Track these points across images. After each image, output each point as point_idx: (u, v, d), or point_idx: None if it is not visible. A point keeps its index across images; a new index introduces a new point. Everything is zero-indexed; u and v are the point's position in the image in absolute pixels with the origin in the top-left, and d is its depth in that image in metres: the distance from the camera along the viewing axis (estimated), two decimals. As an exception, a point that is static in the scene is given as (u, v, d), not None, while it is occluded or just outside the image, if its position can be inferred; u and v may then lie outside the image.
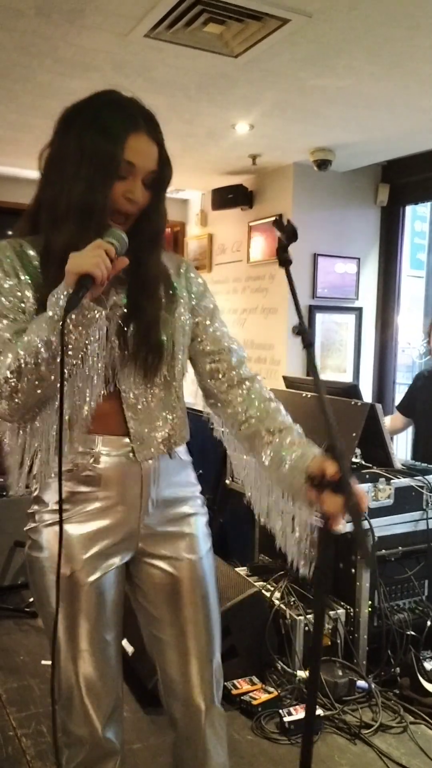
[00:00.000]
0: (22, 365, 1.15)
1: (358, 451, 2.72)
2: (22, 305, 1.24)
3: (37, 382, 1.17)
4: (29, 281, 1.25)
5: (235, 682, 2.52)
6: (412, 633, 2.65)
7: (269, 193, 4.24)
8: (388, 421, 3.24)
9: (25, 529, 1.41)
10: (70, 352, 1.16)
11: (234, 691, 2.47)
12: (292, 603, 2.67)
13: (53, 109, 1.29)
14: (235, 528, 4.16)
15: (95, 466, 1.33)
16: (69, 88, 2.77)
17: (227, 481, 3.59)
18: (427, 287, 5.02)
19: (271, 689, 2.49)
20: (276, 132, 3.30)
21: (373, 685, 2.55)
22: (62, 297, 1.13)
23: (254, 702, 2.46)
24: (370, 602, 2.62)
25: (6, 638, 3.15)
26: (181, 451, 1.47)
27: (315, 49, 2.31)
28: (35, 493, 1.38)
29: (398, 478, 2.64)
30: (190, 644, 1.43)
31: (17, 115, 3.14)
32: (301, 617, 2.55)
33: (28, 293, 1.25)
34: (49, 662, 2.95)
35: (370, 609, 2.63)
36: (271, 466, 1.35)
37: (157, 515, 1.40)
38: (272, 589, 2.78)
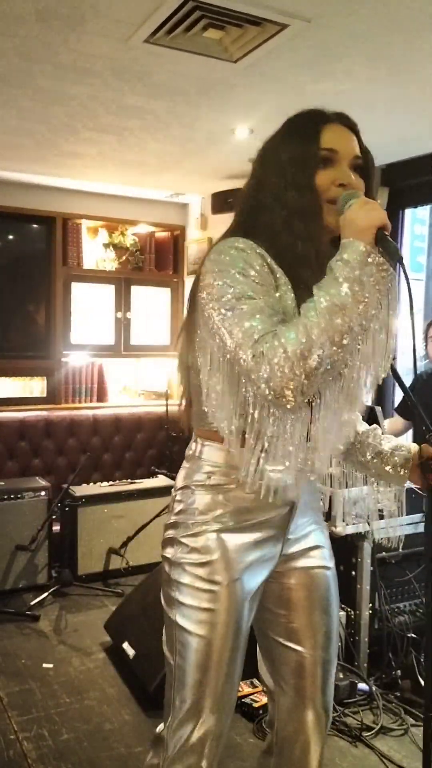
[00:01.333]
0: (336, 339, 1.09)
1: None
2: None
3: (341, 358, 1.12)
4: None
5: (236, 684, 2.52)
6: (413, 635, 2.65)
7: (269, 196, 4.26)
8: (387, 424, 3.25)
9: (171, 535, 1.39)
10: (365, 323, 1.11)
11: (235, 694, 2.47)
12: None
13: (54, 114, 1.30)
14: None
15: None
16: (69, 94, 2.78)
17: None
18: (426, 290, 5.03)
19: (272, 692, 2.49)
20: (275, 136, 3.31)
21: (374, 688, 2.56)
22: (364, 251, 1.10)
23: (255, 705, 2.47)
24: (370, 605, 2.63)
25: (8, 642, 3.16)
26: None
27: (314, 54, 2.32)
28: (181, 506, 1.37)
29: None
30: (325, 654, 1.49)
31: (18, 120, 3.15)
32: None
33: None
34: (50, 665, 2.96)
35: (370, 611, 2.63)
36: (372, 460, 1.50)
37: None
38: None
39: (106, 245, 4.92)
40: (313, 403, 1.19)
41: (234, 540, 1.33)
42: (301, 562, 1.45)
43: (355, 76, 2.52)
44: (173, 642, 1.35)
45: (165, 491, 4.03)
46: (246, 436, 1.22)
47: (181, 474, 1.42)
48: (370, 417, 2.61)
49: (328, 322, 1.08)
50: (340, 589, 1.53)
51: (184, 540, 1.34)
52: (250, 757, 2.26)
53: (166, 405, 4.75)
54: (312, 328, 1.08)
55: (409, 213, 4.21)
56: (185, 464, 1.42)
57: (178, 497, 1.40)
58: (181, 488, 1.40)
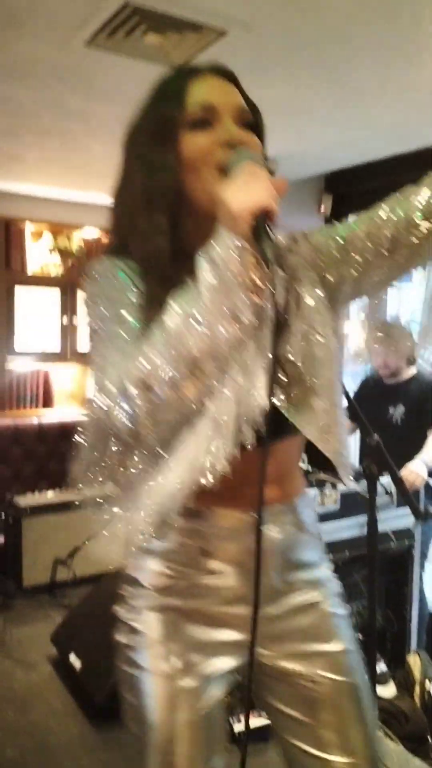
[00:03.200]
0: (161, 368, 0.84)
1: (304, 456, 2.75)
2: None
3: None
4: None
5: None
6: (360, 637, 2.68)
7: (215, 202, 4.26)
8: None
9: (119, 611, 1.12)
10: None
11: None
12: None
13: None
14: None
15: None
16: (9, 96, 2.73)
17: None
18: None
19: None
20: (220, 142, 3.32)
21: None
22: (231, 246, 0.81)
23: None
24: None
25: None
26: None
27: (254, 60, 2.34)
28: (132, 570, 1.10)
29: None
30: None
31: None
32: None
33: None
34: None
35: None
36: None
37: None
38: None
39: (52, 249, 4.84)
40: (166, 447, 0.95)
41: (181, 618, 1.06)
42: (311, 667, 1.09)
43: (295, 83, 2.55)
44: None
45: (111, 500, 3.97)
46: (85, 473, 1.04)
47: None
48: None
49: (178, 341, 0.83)
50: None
51: (126, 619, 1.10)
52: None
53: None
54: (156, 348, 0.84)
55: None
56: None
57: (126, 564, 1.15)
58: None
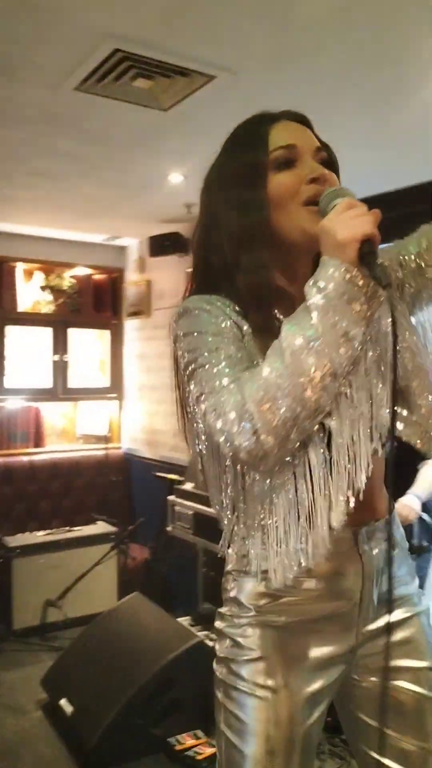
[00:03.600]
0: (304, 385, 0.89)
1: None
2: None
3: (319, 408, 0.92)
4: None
5: (179, 737, 2.44)
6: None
7: (205, 240, 4.32)
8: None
9: (217, 627, 1.17)
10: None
11: (178, 747, 2.40)
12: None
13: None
14: (178, 577, 4.09)
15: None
16: (1, 139, 2.78)
17: (169, 528, 3.54)
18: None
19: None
20: (209, 182, 3.38)
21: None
22: (342, 272, 0.88)
23: (199, 757, 2.39)
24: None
25: None
26: None
27: (242, 105, 2.37)
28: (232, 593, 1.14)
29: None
30: None
31: None
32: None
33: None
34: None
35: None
36: None
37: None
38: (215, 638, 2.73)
39: (43, 288, 4.88)
40: (296, 468, 0.98)
41: (285, 636, 1.10)
42: (401, 681, 1.14)
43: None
44: (220, 750, 1.13)
45: (105, 538, 3.94)
46: (220, 509, 1.06)
47: (229, 555, 1.18)
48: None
49: (296, 362, 0.89)
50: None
51: (228, 632, 1.13)
52: None
53: (106, 449, 4.68)
54: (276, 370, 0.90)
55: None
56: (231, 545, 1.19)
57: (224, 584, 1.19)
58: (227, 573, 1.19)
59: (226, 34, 1.92)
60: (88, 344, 5.14)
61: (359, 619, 1.13)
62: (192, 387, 1.00)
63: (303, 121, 1.13)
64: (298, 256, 1.07)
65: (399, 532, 1.23)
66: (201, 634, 2.75)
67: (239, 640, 1.11)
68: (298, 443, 0.95)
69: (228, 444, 0.92)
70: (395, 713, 1.13)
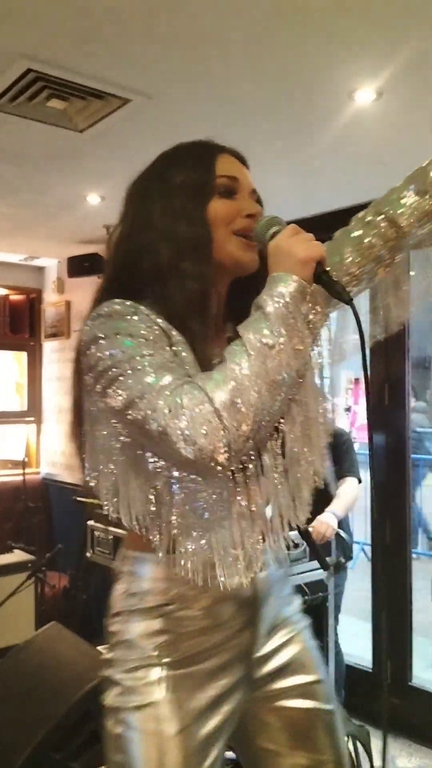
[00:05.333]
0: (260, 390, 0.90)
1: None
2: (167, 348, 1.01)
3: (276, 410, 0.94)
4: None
5: (98, 771, 2.36)
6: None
7: (125, 261, 4.31)
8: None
9: (106, 675, 1.10)
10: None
11: (97, 782, 2.31)
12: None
13: None
14: (98, 603, 3.99)
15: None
16: None
17: (89, 554, 3.47)
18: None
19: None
20: (127, 204, 3.38)
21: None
22: (299, 286, 0.94)
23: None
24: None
25: None
26: None
27: (158, 128, 2.42)
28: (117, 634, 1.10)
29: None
30: None
31: None
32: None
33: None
34: None
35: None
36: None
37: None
38: (136, 664, 2.67)
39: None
40: (248, 471, 0.97)
41: (180, 675, 1.06)
42: (292, 700, 1.16)
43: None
44: None
45: (21, 567, 3.80)
46: (150, 519, 1.02)
47: (113, 597, 1.14)
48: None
49: (260, 365, 0.90)
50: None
51: (118, 679, 1.08)
52: None
53: (23, 474, 4.54)
54: (241, 371, 0.90)
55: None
56: (115, 584, 1.15)
57: (111, 627, 1.13)
58: (113, 615, 1.13)
59: (140, 58, 1.94)
60: (3, 366, 5.00)
61: (251, 645, 1.12)
62: (117, 393, 0.95)
63: (244, 162, 1.20)
64: (220, 275, 1.12)
65: (282, 552, 1.18)
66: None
67: (129, 684, 1.06)
68: (252, 448, 0.95)
69: (188, 446, 0.88)
70: (287, 733, 1.15)
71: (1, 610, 3.53)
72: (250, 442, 0.91)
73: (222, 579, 0.99)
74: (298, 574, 2.70)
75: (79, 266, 4.38)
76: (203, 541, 0.98)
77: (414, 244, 1.16)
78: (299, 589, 2.65)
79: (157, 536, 1.01)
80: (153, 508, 1.00)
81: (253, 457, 0.96)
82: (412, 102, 2.18)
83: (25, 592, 3.63)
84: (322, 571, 2.74)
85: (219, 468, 0.90)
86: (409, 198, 1.13)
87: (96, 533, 3.38)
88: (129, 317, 1.00)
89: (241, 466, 0.95)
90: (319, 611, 2.80)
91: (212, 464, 0.89)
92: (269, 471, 0.99)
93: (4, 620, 3.54)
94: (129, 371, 0.95)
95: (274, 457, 1.00)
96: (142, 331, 0.99)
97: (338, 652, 2.99)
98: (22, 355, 5.11)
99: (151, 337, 0.99)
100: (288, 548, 1.09)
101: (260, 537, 1.01)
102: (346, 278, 1.15)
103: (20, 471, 4.57)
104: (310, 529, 2.64)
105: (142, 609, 1.08)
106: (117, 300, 1.03)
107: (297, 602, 1.26)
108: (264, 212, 1.16)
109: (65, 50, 1.90)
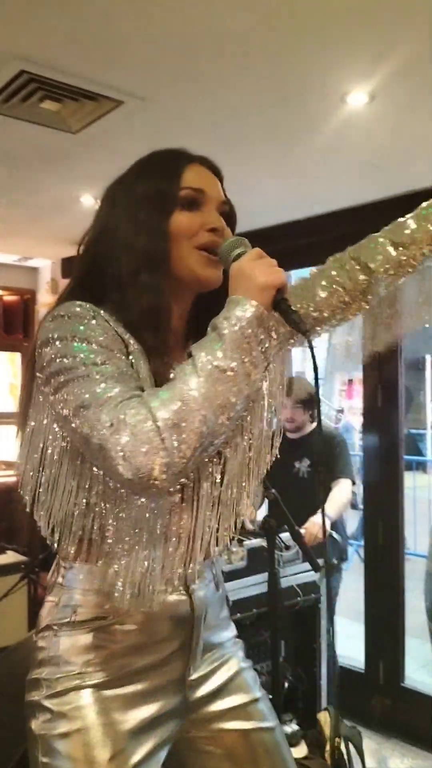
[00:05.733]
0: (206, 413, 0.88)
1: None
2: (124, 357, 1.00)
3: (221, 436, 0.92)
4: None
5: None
6: (270, 696, 2.64)
7: (119, 263, 4.31)
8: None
9: (31, 699, 1.05)
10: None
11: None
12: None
13: None
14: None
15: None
16: None
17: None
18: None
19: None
20: (121, 205, 3.38)
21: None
22: (257, 312, 0.93)
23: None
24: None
25: None
26: None
27: (151, 130, 2.42)
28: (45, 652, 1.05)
29: (249, 539, 2.67)
30: None
31: None
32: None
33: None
34: None
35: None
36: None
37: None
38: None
39: None
40: (184, 493, 0.96)
41: (112, 696, 1.02)
42: (229, 722, 1.13)
43: (193, 152, 2.65)
44: None
45: (14, 568, 3.79)
46: (69, 527, 0.99)
47: (42, 611, 1.10)
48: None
49: (209, 387, 0.89)
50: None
51: (46, 704, 1.01)
52: None
53: (17, 475, 4.53)
54: (189, 392, 0.88)
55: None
56: (47, 596, 1.10)
57: (38, 643, 1.07)
58: (41, 630, 1.07)
59: (133, 60, 1.94)
60: (-3, 367, 5.00)
61: (186, 667, 1.10)
62: (62, 398, 0.93)
63: (216, 172, 1.16)
64: (181, 289, 1.10)
65: (219, 572, 1.19)
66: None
67: (57, 709, 1.00)
68: (192, 470, 0.92)
69: (126, 464, 0.85)
70: (228, 761, 1.11)
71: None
72: (190, 464, 0.88)
73: (150, 593, 0.96)
74: (291, 575, 2.70)
75: (73, 267, 4.38)
76: (133, 554, 0.96)
77: (385, 293, 1.17)
78: (292, 591, 2.65)
79: (73, 545, 1.01)
80: (77, 515, 0.99)
81: (191, 479, 0.95)
82: (404, 104, 2.19)
83: (18, 593, 3.63)
84: (314, 572, 2.74)
85: (155, 489, 0.87)
86: (385, 250, 1.13)
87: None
88: (87, 321, 0.99)
89: (178, 487, 0.93)
90: (312, 613, 2.80)
91: (149, 483, 0.86)
92: (204, 495, 0.98)
93: (-3, 622, 3.53)
94: (79, 378, 0.93)
95: (212, 483, 0.98)
96: (99, 337, 0.97)
97: (332, 654, 2.99)
98: (16, 356, 5.10)
99: (107, 344, 0.97)
100: (221, 571, 1.11)
101: (183, 558, 0.99)
102: (315, 314, 1.15)
103: (13, 472, 4.57)
104: (302, 531, 2.64)
105: (72, 623, 1.04)
106: (77, 302, 1.02)
107: (232, 627, 1.23)
108: (236, 220, 1.16)
109: (59, 52, 1.90)
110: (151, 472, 0.85)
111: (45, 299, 5.02)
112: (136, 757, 1.01)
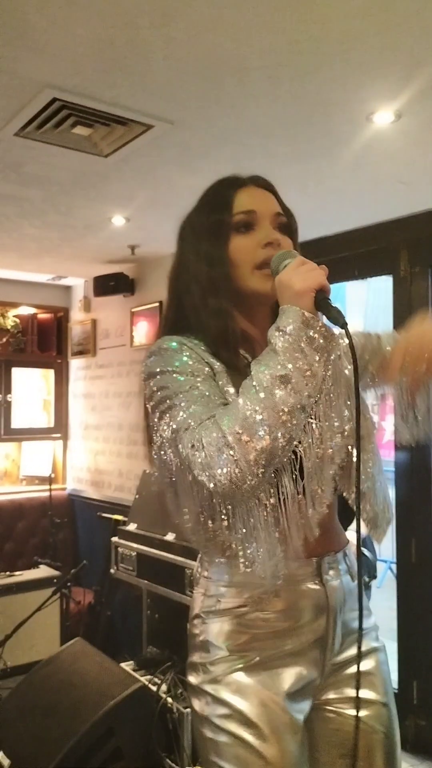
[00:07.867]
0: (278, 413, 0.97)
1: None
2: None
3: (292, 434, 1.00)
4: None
5: (120, 788, 2.37)
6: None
7: (150, 281, 4.37)
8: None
9: (192, 682, 1.19)
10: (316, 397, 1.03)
11: (119, 799, 2.32)
12: (179, 695, 2.58)
13: None
14: (123, 620, 4.02)
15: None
16: None
17: (113, 570, 3.49)
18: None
19: (158, 792, 2.36)
20: (151, 225, 3.45)
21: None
22: (302, 317, 1.00)
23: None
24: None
25: None
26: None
27: (180, 153, 2.47)
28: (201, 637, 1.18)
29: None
30: None
31: None
32: (189, 709, 2.46)
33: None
34: None
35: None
36: None
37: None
38: (159, 682, 2.68)
39: (-13, 327, 4.84)
40: (271, 493, 1.07)
41: (260, 677, 1.13)
42: (352, 709, 1.19)
43: (218, 173, 2.66)
44: None
45: (47, 582, 3.85)
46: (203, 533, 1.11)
47: (193, 602, 1.23)
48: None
49: (268, 397, 0.97)
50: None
51: (205, 688, 1.15)
52: None
53: (50, 490, 4.60)
54: (250, 404, 0.97)
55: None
56: (195, 588, 1.25)
57: (192, 630, 1.21)
58: (193, 618, 1.22)
59: (161, 85, 1.99)
60: (32, 384, 5.09)
61: (326, 652, 1.19)
62: (165, 424, 1.07)
63: (267, 187, 1.26)
64: (256, 305, 1.21)
65: (353, 565, 1.28)
66: (144, 678, 2.69)
67: (215, 694, 1.13)
68: (273, 471, 1.02)
69: (208, 477, 0.98)
70: (347, 746, 1.17)
71: (27, 626, 3.57)
72: (267, 469, 0.98)
73: (274, 568, 1.07)
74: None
75: (104, 285, 4.45)
76: (249, 551, 1.07)
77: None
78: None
79: (210, 546, 1.13)
80: (202, 521, 1.09)
81: (272, 481, 1.05)
82: (431, 122, 2.19)
83: (50, 607, 3.67)
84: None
85: (239, 493, 0.99)
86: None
87: (120, 549, 3.41)
88: (174, 353, 1.12)
89: (266, 489, 1.05)
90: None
91: (232, 490, 0.98)
92: (288, 490, 1.07)
93: (30, 635, 3.57)
94: (172, 407, 1.07)
95: (292, 479, 1.07)
96: (188, 368, 1.10)
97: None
98: (50, 373, 5.19)
99: (194, 371, 1.10)
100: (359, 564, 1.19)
101: (282, 549, 1.09)
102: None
103: (47, 487, 4.63)
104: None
105: (217, 611, 1.16)
106: (167, 337, 1.16)
107: (373, 618, 1.31)
108: (297, 240, 1.25)
109: (89, 80, 1.96)
110: (228, 481, 0.97)
111: (78, 317, 5.11)
112: (295, 728, 1.12)
